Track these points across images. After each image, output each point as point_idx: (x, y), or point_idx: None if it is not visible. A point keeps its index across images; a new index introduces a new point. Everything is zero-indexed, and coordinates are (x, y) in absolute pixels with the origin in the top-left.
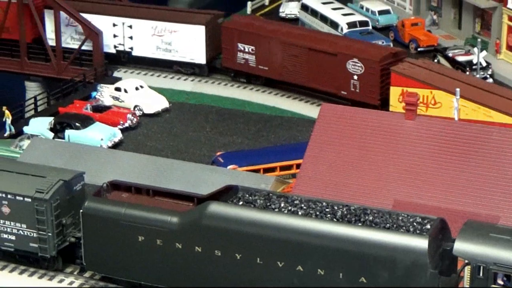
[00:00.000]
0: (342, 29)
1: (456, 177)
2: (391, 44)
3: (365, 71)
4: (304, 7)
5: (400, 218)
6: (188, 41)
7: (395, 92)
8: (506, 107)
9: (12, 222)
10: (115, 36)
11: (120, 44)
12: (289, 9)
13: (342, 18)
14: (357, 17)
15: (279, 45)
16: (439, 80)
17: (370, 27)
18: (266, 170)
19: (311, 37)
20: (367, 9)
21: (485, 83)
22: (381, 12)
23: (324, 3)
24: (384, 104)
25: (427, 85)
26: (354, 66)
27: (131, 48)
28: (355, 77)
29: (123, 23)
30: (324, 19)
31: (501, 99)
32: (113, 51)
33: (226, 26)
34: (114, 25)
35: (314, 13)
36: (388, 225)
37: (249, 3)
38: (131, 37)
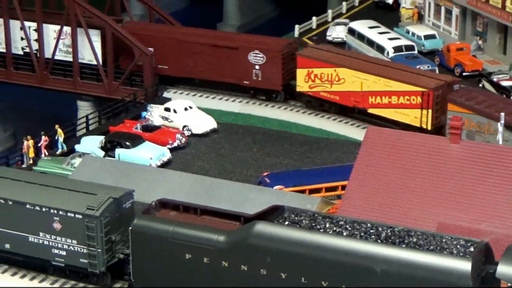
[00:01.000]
0: (388, 53)
1: (499, 201)
2: (436, 69)
3: (266, 60)
4: (351, 31)
5: (444, 240)
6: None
7: (301, 73)
8: (403, 77)
9: (63, 238)
10: None
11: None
12: (336, 33)
13: (388, 42)
14: (403, 42)
15: (179, 44)
16: (341, 59)
17: (416, 52)
18: (312, 191)
19: (210, 36)
20: (413, 34)
21: (384, 61)
22: (427, 37)
23: (371, 27)
24: (286, 89)
25: (330, 64)
26: (255, 57)
27: None
28: (257, 67)
29: None
30: (370, 43)
31: (398, 71)
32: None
33: None
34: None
35: (361, 37)
36: (431, 247)
37: (296, 26)
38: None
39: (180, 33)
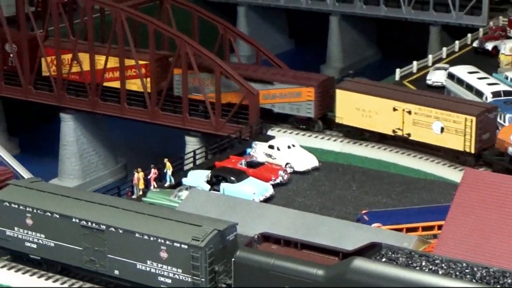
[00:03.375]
0: (486, 98)
1: None
2: None
3: (18, 50)
4: (451, 76)
5: None
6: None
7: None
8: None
9: (169, 267)
10: None
11: None
12: (436, 77)
13: (487, 87)
14: (502, 87)
15: None
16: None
17: None
18: (409, 230)
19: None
20: None
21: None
22: None
23: (470, 73)
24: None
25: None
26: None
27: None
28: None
29: None
30: (469, 87)
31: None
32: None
33: None
34: None
35: (460, 81)
36: None
37: (397, 70)
38: None
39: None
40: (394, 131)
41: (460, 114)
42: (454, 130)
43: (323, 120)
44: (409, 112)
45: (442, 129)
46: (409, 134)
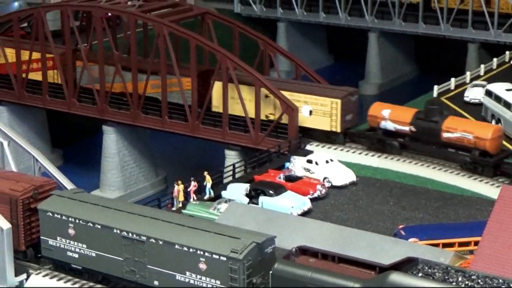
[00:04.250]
0: None
1: None
2: None
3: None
4: (488, 93)
5: None
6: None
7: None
8: None
9: (207, 278)
10: None
11: None
12: (474, 94)
13: None
14: None
15: None
16: None
17: None
18: (445, 245)
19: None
20: None
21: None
22: None
23: (508, 90)
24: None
25: None
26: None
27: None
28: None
29: None
30: (507, 105)
31: None
32: None
33: None
34: None
35: (498, 99)
36: None
37: (435, 87)
38: None
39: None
40: (267, 116)
41: (327, 98)
42: (322, 113)
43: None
44: None
45: (310, 112)
46: (281, 118)
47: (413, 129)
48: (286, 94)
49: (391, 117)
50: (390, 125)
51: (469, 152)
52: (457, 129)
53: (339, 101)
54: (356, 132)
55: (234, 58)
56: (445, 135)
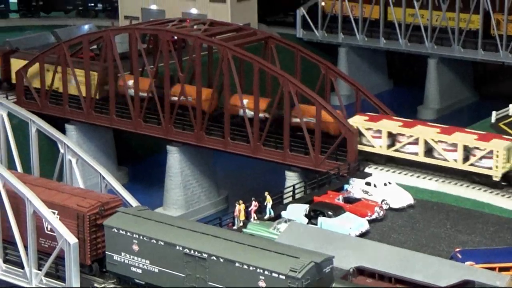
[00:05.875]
0: None
1: None
2: None
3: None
4: None
5: None
6: None
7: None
8: None
9: None
10: None
11: None
12: None
13: None
14: None
15: None
16: None
17: None
18: (502, 269)
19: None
20: None
21: None
22: None
23: None
24: None
25: None
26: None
27: None
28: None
29: None
30: None
31: None
32: None
33: None
34: None
35: None
36: None
37: (493, 113)
38: None
39: None
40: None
41: None
42: None
43: None
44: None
45: None
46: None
47: None
48: None
49: None
50: None
51: None
52: None
53: None
54: None
55: (295, 81)
56: None
